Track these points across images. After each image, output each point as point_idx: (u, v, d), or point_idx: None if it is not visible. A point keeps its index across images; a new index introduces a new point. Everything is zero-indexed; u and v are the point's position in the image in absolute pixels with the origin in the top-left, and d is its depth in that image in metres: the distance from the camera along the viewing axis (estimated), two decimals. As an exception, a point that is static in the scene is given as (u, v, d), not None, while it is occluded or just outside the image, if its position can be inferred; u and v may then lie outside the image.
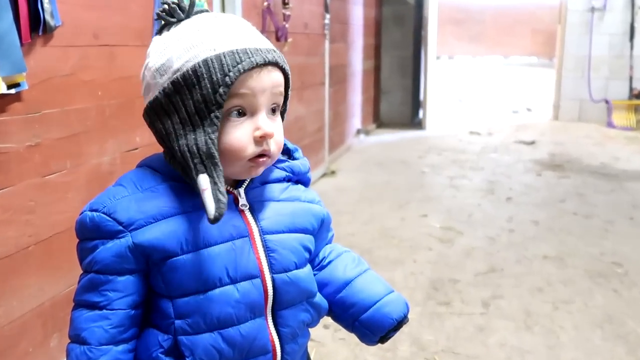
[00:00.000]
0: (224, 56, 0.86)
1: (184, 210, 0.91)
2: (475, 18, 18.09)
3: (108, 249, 0.89)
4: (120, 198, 0.91)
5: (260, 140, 0.90)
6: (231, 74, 0.85)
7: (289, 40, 3.78)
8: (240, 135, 0.89)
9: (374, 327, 1.05)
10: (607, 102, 7.34)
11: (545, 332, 2.39)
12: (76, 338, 0.90)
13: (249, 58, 0.87)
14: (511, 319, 2.50)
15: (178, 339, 0.91)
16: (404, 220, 3.75)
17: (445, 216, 3.83)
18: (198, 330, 0.91)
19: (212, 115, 0.86)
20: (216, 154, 0.87)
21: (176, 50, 0.89)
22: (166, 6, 0.93)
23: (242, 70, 0.86)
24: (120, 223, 0.89)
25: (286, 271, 0.96)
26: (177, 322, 0.91)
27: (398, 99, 7.28)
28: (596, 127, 7.21)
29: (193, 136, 0.87)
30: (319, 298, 1.04)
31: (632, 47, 7.22)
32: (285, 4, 3.73)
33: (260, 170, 0.95)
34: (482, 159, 5.54)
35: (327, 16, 4.76)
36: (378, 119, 7.22)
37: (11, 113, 1.71)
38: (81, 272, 0.93)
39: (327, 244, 1.12)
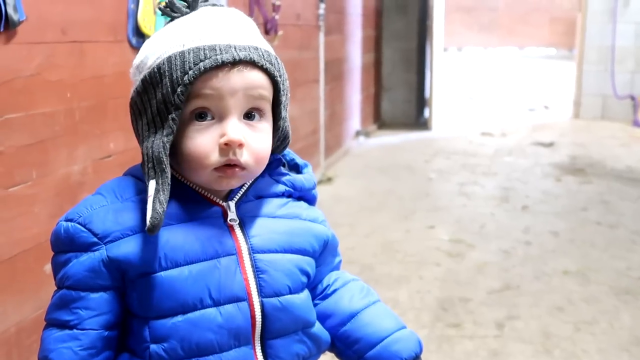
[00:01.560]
0: (188, 53, 0.88)
1: (166, 222, 0.91)
2: (487, 5, 18.16)
3: (81, 263, 0.90)
4: (98, 208, 0.92)
5: (226, 148, 0.89)
6: (190, 72, 0.86)
7: (279, 33, 3.80)
8: (202, 141, 0.90)
9: None
10: (633, 98, 7.38)
11: (567, 356, 2.40)
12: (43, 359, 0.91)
13: (215, 55, 0.87)
14: (528, 342, 2.50)
15: None
16: (409, 232, 3.76)
17: (455, 228, 3.84)
18: (174, 356, 0.91)
19: (170, 117, 0.88)
20: (165, 159, 0.88)
21: (152, 47, 0.93)
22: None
23: (202, 69, 0.86)
24: (95, 235, 0.90)
25: (277, 295, 0.95)
26: (152, 346, 0.91)
27: (401, 96, 7.30)
28: (621, 126, 7.24)
29: (152, 139, 0.90)
30: (318, 329, 1.03)
31: (660, 37, 7.27)
32: (274, -8, 3.75)
33: (234, 182, 0.94)
34: (495, 163, 5.55)
35: (322, 5, 4.79)
36: (379, 119, 7.24)
37: (-30, 118, 1.72)
38: (55, 288, 0.95)
39: (333, 270, 1.10)
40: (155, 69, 0.89)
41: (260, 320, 0.94)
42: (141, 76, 0.92)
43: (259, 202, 1.00)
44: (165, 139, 0.88)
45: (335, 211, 4.12)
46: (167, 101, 0.88)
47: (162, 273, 0.91)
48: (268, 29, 3.67)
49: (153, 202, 0.87)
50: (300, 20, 4.39)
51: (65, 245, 0.92)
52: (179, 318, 0.91)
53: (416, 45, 7.20)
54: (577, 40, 7.88)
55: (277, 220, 1.00)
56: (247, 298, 0.94)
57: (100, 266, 0.90)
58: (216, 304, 0.92)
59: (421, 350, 1.06)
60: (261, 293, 0.95)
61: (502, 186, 4.78)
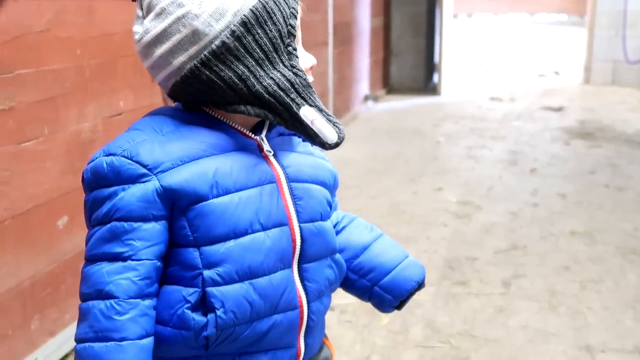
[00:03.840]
0: None
1: (211, 152, 0.95)
2: (498, -29, 17.93)
3: (132, 194, 0.90)
4: (141, 141, 0.93)
5: (308, 71, 1.00)
6: (295, 5, 0.97)
7: (288, -6, 3.77)
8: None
9: (396, 291, 1.14)
10: (644, 63, 7.32)
11: (572, 313, 2.43)
12: (97, 293, 0.90)
13: None
14: (534, 299, 2.53)
15: (207, 291, 0.93)
16: (416, 194, 3.78)
17: (463, 190, 3.85)
18: (229, 280, 0.94)
19: (290, 47, 0.96)
20: (310, 81, 0.97)
21: None
22: None
23: (298, 2, 0.99)
24: (144, 166, 0.91)
25: (313, 221, 1.02)
26: (206, 272, 0.93)
27: (410, 61, 7.26)
28: (632, 91, 7.20)
29: (277, 73, 0.94)
30: (339, 257, 1.10)
31: (673, 1, 7.18)
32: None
33: None
34: (503, 127, 5.54)
35: (330, -33, 4.74)
36: (388, 84, 7.22)
37: (-19, 73, 1.73)
38: (92, 227, 0.93)
39: (335, 209, 1.17)
40: (259, 9, 0.93)
41: (300, 244, 1.00)
42: (235, 20, 0.92)
43: (281, 139, 1.05)
44: (298, 66, 0.96)
45: (344, 173, 4.14)
46: (283, 34, 0.95)
47: (215, 200, 0.93)
48: (276, -10, 3.65)
49: (326, 120, 0.96)
50: (309, -18, 4.36)
51: (109, 179, 0.91)
52: (231, 243, 0.94)
53: (425, 10, 7.14)
54: (588, 6, 7.78)
55: (301, 155, 1.06)
56: (288, 223, 0.99)
57: (154, 196, 0.91)
58: (264, 228, 0.96)
59: (425, 274, 1.19)
60: (299, 219, 1.00)
61: (510, 150, 4.77)
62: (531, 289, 2.61)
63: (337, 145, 0.97)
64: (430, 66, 7.45)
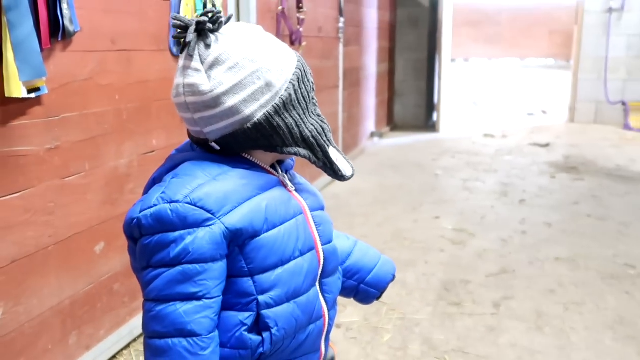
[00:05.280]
0: (302, 60, 1.03)
1: (257, 192, 0.98)
2: (492, 20, 18.00)
3: (202, 238, 0.90)
4: (198, 187, 0.93)
5: None
6: (310, 71, 1.03)
7: (303, 43, 3.83)
8: None
9: (379, 285, 1.24)
10: (624, 104, 7.30)
11: (556, 332, 2.41)
12: (178, 332, 0.89)
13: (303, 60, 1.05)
14: (522, 319, 2.51)
15: (261, 314, 0.96)
16: (416, 222, 3.77)
17: (458, 218, 3.84)
18: (280, 302, 0.98)
19: (314, 99, 1.02)
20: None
21: (278, 50, 0.99)
22: (206, 17, 0.95)
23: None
24: (208, 211, 0.91)
25: (329, 242, 1.08)
26: (260, 297, 0.96)
27: (412, 101, 7.30)
28: (613, 129, 7.17)
29: (312, 120, 1.00)
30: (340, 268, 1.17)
31: (649, 49, 7.18)
32: (299, 8, 3.78)
33: None
34: (496, 161, 5.54)
35: (342, 20, 4.81)
36: (392, 121, 7.25)
37: (31, 117, 1.77)
38: (154, 269, 0.91)
39: None
40: (301, 68, 0.99)
41: (322, 263, 1.05)
42: (291, 75, 0.98)
43: (289, 174, 1.10)
44: (319, 113, 1.02)
45: (352, 203, 4.15)
46: (310, 89, 1.01)
47: (266, 234, 0.97)
48: (293, 40, 3.70)
49: (345, 159, 1.05)
50: (322, 33, 4.42)
51: (174, 224, 0.90)
52: (280, 270, 0.98)
53: (426, 56, 7.19)
54: (573, 52, 7.80)
55: (305, 186, 1.11)
56: (314, 247, 1.04)
57: (221, 238, 0.92)
58: (302, 254, 1.01)
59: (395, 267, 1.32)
60: (321, 242, 1.06)
61: (501, 182, 4.76)
62: (519, 310, 2.60)
63: (350, 178, 1.05)
64: (430, 106, 7.47)
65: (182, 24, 0.96)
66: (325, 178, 4.32)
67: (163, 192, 0.93)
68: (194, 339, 0.90)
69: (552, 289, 2.80)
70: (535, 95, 10.95)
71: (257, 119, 0.95)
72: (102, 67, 2.04)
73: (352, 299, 1.28)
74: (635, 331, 2.41)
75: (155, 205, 0.92)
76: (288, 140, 0.98)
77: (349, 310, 2.54)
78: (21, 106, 1.73)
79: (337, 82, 4.90)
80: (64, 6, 1.78)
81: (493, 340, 2.35)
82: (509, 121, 8.04)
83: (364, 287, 1.24)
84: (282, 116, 0.96)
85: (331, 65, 4.73)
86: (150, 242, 0.92)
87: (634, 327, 2.45)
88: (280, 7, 3.53)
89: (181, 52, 0.98)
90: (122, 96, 2.16)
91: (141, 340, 2.32)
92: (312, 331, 1.04)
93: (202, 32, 0.95)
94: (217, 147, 0.99)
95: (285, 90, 0.96)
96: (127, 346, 2.28)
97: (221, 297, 0.93)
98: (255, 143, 0.98)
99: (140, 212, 0.93)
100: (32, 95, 1.71)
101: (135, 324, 2.31)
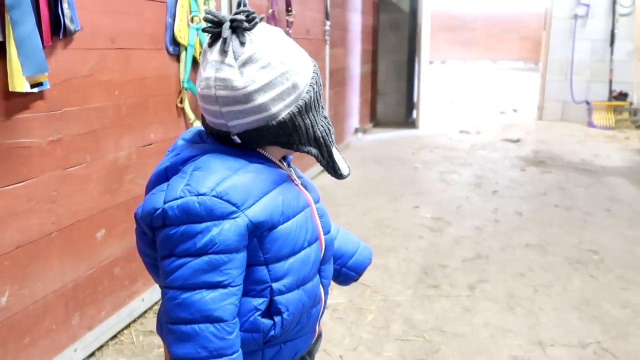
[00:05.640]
0: (313, 60, 1.03)
1: (273, 186, 0.97)
2: (467, 25, 18.03)
3: (227, 230, 0.89)
4: (222, 180, 0.91)
5: None
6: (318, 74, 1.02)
7: (292, 45, 3.79)
8: None
9: (358, 269, 1.25)
10: (588, 103, 7.35)
11: (526, 312, 2.42)
12: (205, 318, 0.88)
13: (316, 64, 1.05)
14: (495, 301, 2.52)
15: (274, 300, 0.96)
16: (397, 211, 3.77)
17: (436, 208, 3.84)
18: (291, 289, 0.98)
19: (322, 102, 1.01)
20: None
21: (301, 54, 0.99)
22: (242, 16, 0.93)
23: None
24: (233, 204, 0.90)
25: (328, 232, 1.08)
26: (274, 285, 0.96)
27: (393, 100, 7.29)
28: (578, 126, 7.22)
29: (321, 121, 1.00)
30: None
31: (612, 52, 7.22)
32: (288, 11, 3.75)
33: None
34: (470, 155, 5.54)
35: (328, 23, 4.78)
36: (375, 118, 7.23)
37: (34, 110, 1.74)
38: (179, 258, 0.89)
39: None
40: (316, 76, 0.99)
41: (323, 252, 1.06)
42: (310, 78, 0.97)
43: (292, 168, 1.09)
44: (326, 116, 1.02)
45: (337, 194, 4.14)
46: (320, 93, 1.00)
47: (282, 226, 0.96)
48: (282, 42, 3.67)
49: (343, 159, 1.05)
50: (310, 35, 4.39)
51: (201, 216, 0.88)
52: (292, 259, 0.98)
53: (406, 58, 7.17)
54: (542, 55, 7.82)
55: (305, 179, 1.10)
56: (318, 237, 1.04)
57: (245, 230, 0.90)
58: (309, 244, 1.01)
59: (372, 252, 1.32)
60: (323, 232, 1.06)
61: (476, 174, 4.77)
62: (492, 292, 2.60)
63: (347, 177, 1.05)
64: (410, 104, 7.46)
65: (215, 19, 0.93)
66: (313, 171, 4.30)
67: (188, 185, 0.90)
68: (221, 324, 0.89)
69: (522, 273, 2.81)
70: (506, 95, 10.99)
71: (282, 118, 0.95)
72: (102, 65, 2.01)
73: (332, 281, 1.28)
74: (599, 311, 2.43)
75: (181, 197, 0.89)
76: (304, 139, 0.98)
77: (335, 292, 2.53)
78: (24, 100, 1.69)
79: (324, 81, 4.87)
80: (65, 6, 1.75)
81: (468, 320, 2.35)
82: (482, 119, 8.06)
83: (345, 271, 1.24)
84: (303, 116, 0.96)
85: (318, 66, 4.69)
86: (175, 233, 0.89)
87: (597, 307, 2.46)
88: (270, 10, 3.50)
89: (209, 46, 0.95)
90: (121, 92, 2.13)
91: (141, 320, 2.30)
92: (313, 314, 1.06)
93: (237, 29, 0.92)
94: (238, 141, 0.96)
95: (307, 93, 0.96)
96: (127, 326, 2.26)
97: (242, 284, 0.92)
98: (275, 139, 0.97)
99: (165, 203, 0.90)
100: (35, 89, 1.68)
101: (134, 306, 2.28)
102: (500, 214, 3.71)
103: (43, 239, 1.81)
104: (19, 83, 1.61)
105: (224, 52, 0.92)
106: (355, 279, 1.27)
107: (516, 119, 8.01)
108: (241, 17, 0.92)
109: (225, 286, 0.89)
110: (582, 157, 5.46)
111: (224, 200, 0.89)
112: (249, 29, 0.93)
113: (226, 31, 0.91)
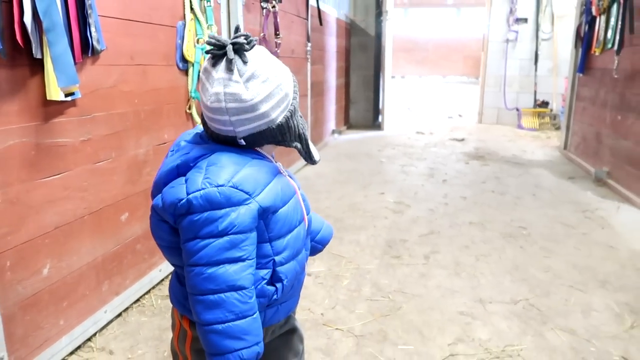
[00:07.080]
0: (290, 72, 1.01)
1: (272, 177, 0.96)
2: (421, 47, 18.09)
3: (243, 214, 0.88)
4: (235, 173, 0.90)
5: None
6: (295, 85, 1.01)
7: (280, 62, 3.76)
8: None
9: (324, 241, 1.21)
10: (517, 109, 7.42)
11: (470, 277, 2.44)
12: (230, 288, 0.87)
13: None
14: (445, 268, 2.54)
15: (276, 270, 0.96)
16: (366, 197, 3.77)
17: (398, 194, 3.85)
18: (288, 260, 0.98)
19: (295, 106, 0.98)
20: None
21: (284, 67, 0.97)
22: (243, 40, 0.92)
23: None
24: (246, 192, 0.89)
25: (309, 212, 1.09)
26: (277, 257, 0.96)
27: (363, 107, 7.28)
28: (510, 128, 7.28)
29: (301, 121, 1.00)
30: None
31: (536, 69, 7.30)
32: (276, 34, 3.72)
33: None
34: (425, 152, 5.56)
35: (309, 44, 4.75)
36: (348, 122, 7.22)
37: (68, 115, 1.70)
38: (202, 239, 0.87)
39: None
40: (295, 84, 0.98)
41: (306, 229, 1.05)
42: (294, 88, 0.97)
43: (278, 162, 1.08)
44: (301, 115, 1.01)
45: (318, 183, 4.13)
46: (297, 99, 0.98)
47: (282, 209, 0.96)
48: (272, 60, 3.63)
49: (314, 148, 1.03)
50: (294, 54, 4.36)
51: (221, 203, 0.87)
52: (289, 236, 0.97)
53: (373, 73, 7.17)
54: (481, 71, 7.88)
55: (287, 171, 1.09)
56: (304, 217, 1.05)
57: (256, 213, 0.90)
58: (299, 223, 1.01)
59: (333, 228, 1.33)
60: (307, 212, 1.06)
61: (429, 167, 4.79)
62: (443, 261, 2.62)
63: (318, 162, 1.04)
64: (376, 110, 7.47)
65: (218, 42, 0.91)
66: (298, 165, 4.29)
67: (207, 178, 0.88)
68: (243, 291, 0.88)
69: (466, 245, 2.84)
70: (453, 103, 11.05)
71: (280, 121, 0.95)
72: (124, 78, 1.98)
73: None
74: (527, 275, 2.46)
75: (203, 188, 0.88)
76: (293, 137, 0.97)
77: (316, 262, 2.53)
78: (60, 107, 1.66)
79: (306, 92, 4.85)
80: (92, 29, 1.71)
81: (424, 283, 2.37)
82: (434, 122, 8.10)
83: (314, 244, 1.20)
84: (293, 118, 0.96)
85: (301, 79, 4.68)
86: (199, 219, 0.88)
87: (525, 272, 2.50)
88: (262, 34, 3.47)
89: (213, 66, 0.92)
90: (140, 100, 2.10)
91: (159, 287, 2.28)
92: (301, 279, 1.06)
93: (239, 50, 0.91)
94: (244, 143, 0.95)
95: (293, 99, 0.96)
96: (148, 292, 2.24)
97: (256, 258, 0.92)
98: (273, 139, 0.96)
99: (189, 194, 0.88)
100: (68, 98, 1.65)
101: (153, 275, 2.26)
102: (449, 198, 3.73)
103: (77, 221, 1.78)
104: (55, 93, 1.57)
105: (229, 70, 0.90)
106: (320, 250, 1.23)
107: (461, 123, 8.06)
108: (242, 40, 0.91)
109: (244, 260, 0.89)
110: (513, 153, 5.52)
111: (239, 189, 0.88)
112: (249, 50, 0.92)
113: (231, 53, 0.90)
